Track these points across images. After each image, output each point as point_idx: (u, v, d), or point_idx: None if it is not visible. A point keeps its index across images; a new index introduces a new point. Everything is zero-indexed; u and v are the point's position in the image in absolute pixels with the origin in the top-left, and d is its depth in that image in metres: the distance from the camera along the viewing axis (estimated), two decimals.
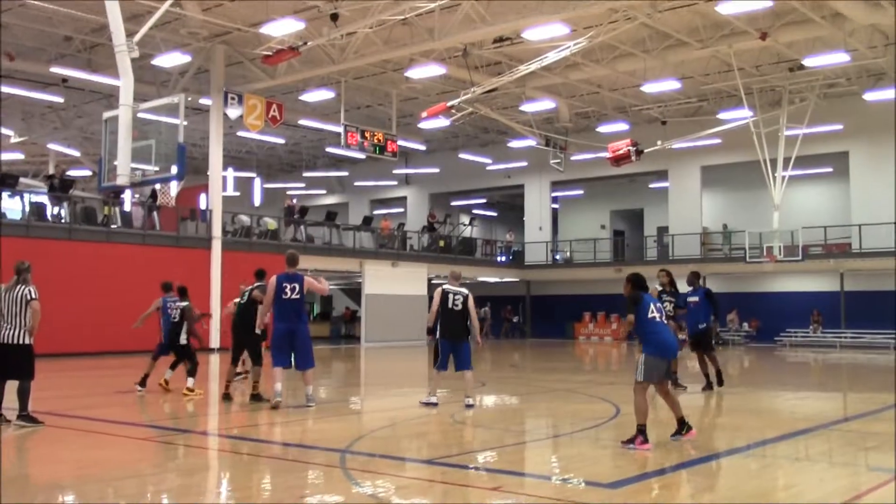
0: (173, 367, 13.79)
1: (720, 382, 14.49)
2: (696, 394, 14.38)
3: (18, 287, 9.86)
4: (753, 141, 29.53)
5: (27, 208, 25.05)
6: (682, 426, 8.94)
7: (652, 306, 8.93)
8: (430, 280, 38.56)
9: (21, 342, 9.81)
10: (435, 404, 12.04)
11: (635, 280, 9.12)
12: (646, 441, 8.48)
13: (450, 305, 12.05)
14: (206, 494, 6.88)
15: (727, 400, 14.76)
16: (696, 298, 14.72)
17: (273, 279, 11.76)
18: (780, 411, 13.08)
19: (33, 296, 9.86)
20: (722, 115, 31.36)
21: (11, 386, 9.96)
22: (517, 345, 36.57)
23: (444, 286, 12.18)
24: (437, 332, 12.17)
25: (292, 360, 11.88)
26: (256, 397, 12.34)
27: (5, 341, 9.79)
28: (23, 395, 9.90)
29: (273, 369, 11.66)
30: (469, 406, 12.00)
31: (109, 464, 8.24)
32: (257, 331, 12.79)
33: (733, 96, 30.83)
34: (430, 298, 12.41)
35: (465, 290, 12.22)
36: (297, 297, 11.66)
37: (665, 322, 9.04)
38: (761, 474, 7.79)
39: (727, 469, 8.00)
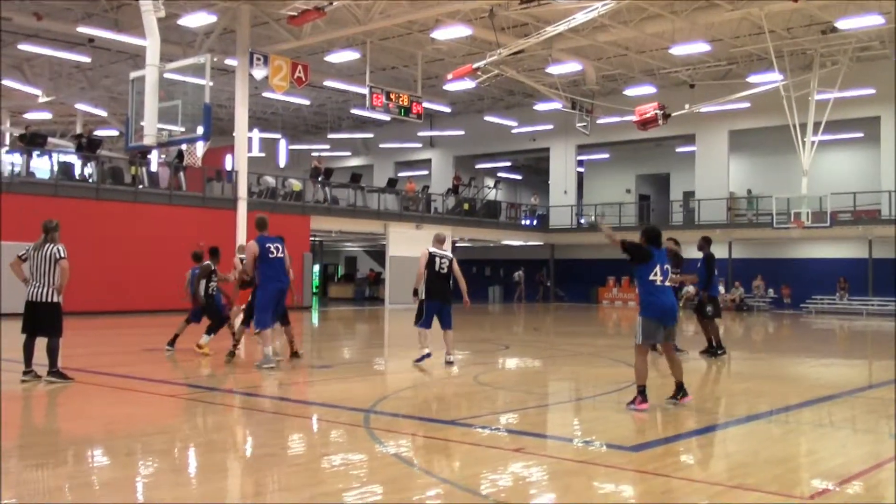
0: (209, 331, 13.76)
1: (710, 352, 14.30)
2: (713, 359, 14.34)
3: (47, 246, 9.97)
4: (783, 105, 29.12)
5: (55, 168, 25.28)
6: (679, 390, 8.95)
7: (657, 268, 8.77)
8: (454, 243, 38.59)
9: (49, 300, 9.94)
10: (428, 355, 12.52)
11: (650, 235, 8.97)
12: (644, 401, 8.59)
13: (437, 268, 12.48)
14: (232, 450, 6.99)
15: (751, 366, 14.75)
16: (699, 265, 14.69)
17: (253, 243, 11.79)
18: (804, 378, 13.04)
19: (62, 255, 9.97)
20: (751, 79, 30.91)
21: (41, 343, 10.13)
22: (548, 308, 36.61)
23: (431, 249, 12.56)
24: (424, 294, 12.55)
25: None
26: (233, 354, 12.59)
27: (34, 299, 9.93)
28: (52, 353, 10.06)
29: (266, 331, 11.72)
30: (450, 363, 12.49)
31: (137, 420, 8.39)
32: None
33: (763, 59, 30.35)
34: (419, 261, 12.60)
35: (449, 254, 12.83)
36: (282, 255, 11.85)
37: (667, 285, 8.89)
38: (784, 440, 7.79)
39: (749, 434, 8.00)
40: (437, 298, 12.56)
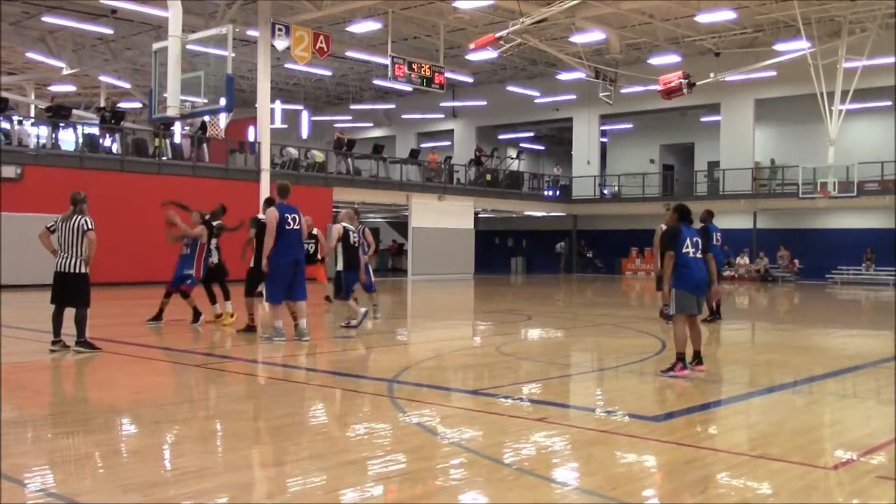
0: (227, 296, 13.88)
1: (711, 319, 14.86)
2: (736, 329, 14.31)
3: (75, 217, 10.07)
4: (810, 73, 28.70)
5: (80, 140, 25.45)
6: (695, 357, 9.23)
7: (688, 241, 8.99)
8: (476, 214, 38.56)
9: (77, 271, 10.05)
10: (365, 315, 13.32)
11: (681, 211, 9.19)
12: (684, 367, 8.93)
13: (351, 241, 13.30)
14: (256, 419, 7.08)
15: (775, 336, 14.70)
16: None
17: (274, 210, 11.49)
18: (828, 348, 12.97)
19: (90, 226, 10.07)
20: (778, 47, 30.44)
21: (69, 313, 10.26)
22: (579, 280, 36.58)
23: (343, 225, 13.29)
24: (343, 266, 13.22)
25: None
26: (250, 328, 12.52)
27: (62, 270, 10.05)
28: (80, 323, 10.20)
29: (277, 306, 11.70)
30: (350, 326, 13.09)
31: (163, 389, 8.50)
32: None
33: (790, 27, 29.87)
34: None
35: (359, 227, 14.03)
36: (298, 227, 11.63)
37: (699, 257, 9.07)
38: (807, 410, 7.77)
39: (773, 404, 7.99)
40: (354, 269, 13.52)
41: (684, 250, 8.95)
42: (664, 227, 10.83)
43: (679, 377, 8.77)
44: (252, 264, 12.66)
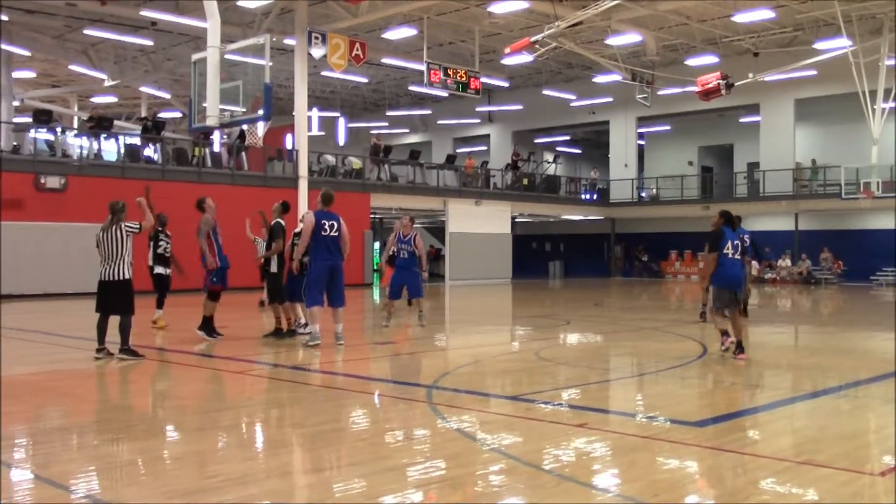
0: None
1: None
2: (780, 333, 14.10)
3: (114, 226, 10.21)
4: (851, 72, 28.22)
5: (122, 150, 25.86)
6: (738, 346, 10.25)
7: (730, 243, 10.28)
8: (513, 218, 38.49)
9: (121, 278, 10.17)
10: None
11: (726, 215, 10.51)
12: (728, 336, 10.48)
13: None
14: (297, 426, 7.12)
15: (819, 339, 14.48)
16: None
17: (311, 215, 11.53)
18: (873, 352, 12.73)
19: (135, 227, 10.26)
20: (818, 45, 30.01)
21: (113, 321, 10.40)
22: (627, 284, 36.36)
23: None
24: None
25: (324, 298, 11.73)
26: (279, 333, 12.68)
27: (105, 279, 10.18)
28: (124, 330, 10.33)
29: (311, 309, 11.63)
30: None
31: (206, 396, 8.59)
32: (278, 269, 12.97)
33: (831, 25, 29.44)
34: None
35: (411, 234, 14.11)
36: (336, 234, 11.51)
37: (737, 258, 10.36)
38: (852, 415, 7.64)
39: (817, 409, 7.87)
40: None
41: (725, 251, 10.19)
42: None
43: (727, 343, 10.45)
44: (275, 269, 12.82)
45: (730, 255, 10.24)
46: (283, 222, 12.96)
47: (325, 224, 11.49)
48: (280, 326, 12.89)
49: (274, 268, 12.90)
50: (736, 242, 10.33)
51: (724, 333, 10.55)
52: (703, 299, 15.94)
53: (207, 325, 12.63)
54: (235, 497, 4.83)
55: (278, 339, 12.63)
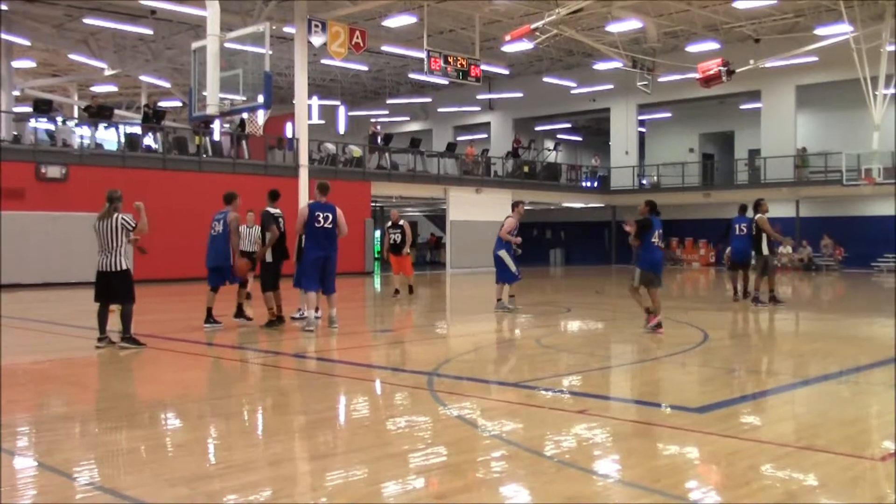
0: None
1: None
2: (781, 319, 14.11)
3: (112, 216, 10.19)
4: (853, 58, 28.13)
5: (122, 139, 25.84)
6: (650, 314, 11.78)
7: (656, 233, 11.62)
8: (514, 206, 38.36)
9: (119, 268, 10.18)
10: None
11: (651, 205, 11.79)
12: (654, 314, 11.75)
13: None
14: (298, 413, 7.14)
15: (820, 326, 14.50)
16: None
17: (305, 207, 12.08)
18: (875, 338, 12.74)
19: (130, 226, 10.21)
20: (819, 31, 29.89)
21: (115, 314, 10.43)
22: (625, 270, 36.34)
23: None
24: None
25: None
26: (273, 322, 12.61)
27: (103, 269, 10.19)
28: (125, 319, 10.36)
29: (308, 294, 12.13)
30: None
31: (207, 384, 8.61)
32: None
33: (832, 11, 29.32)
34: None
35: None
36: (330, 226, 11.86)
37: (660, 245, 11.88)
38: (853, 401, 7.66)
39: (817, 394, 7.88)
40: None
41: (652, 240, 11.58)
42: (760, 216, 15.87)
43: (652, 323, 11.67)
44: (271, 259, 12.81)
45: (655, 243, 11.63)
46: (272, 211, 12.88)
47: (318, 216, 11.83)
48: (275, 315, 12.80)
49: (269, 257, 12.87)
50: (660, 231, 11.73)
51: (648, 311, 11.72)
52: (731, 283, 17.78)
53: (217, 314, 12.75)
54: (238, 484, 4.85)
55: (271, 328, 12.53)
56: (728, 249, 17.49)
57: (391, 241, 18.38)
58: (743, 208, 17.54)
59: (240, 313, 13.35)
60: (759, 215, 16.34)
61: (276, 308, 12.79)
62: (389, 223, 18.62)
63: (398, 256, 18.38)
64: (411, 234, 18.82)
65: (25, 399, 7.50)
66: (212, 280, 12.83)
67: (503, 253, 15.18)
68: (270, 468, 5.25)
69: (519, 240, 15.39)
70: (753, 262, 16.87)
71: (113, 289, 10.22)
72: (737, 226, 17.11)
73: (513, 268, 15.21)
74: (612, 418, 6.67)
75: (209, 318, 12.59)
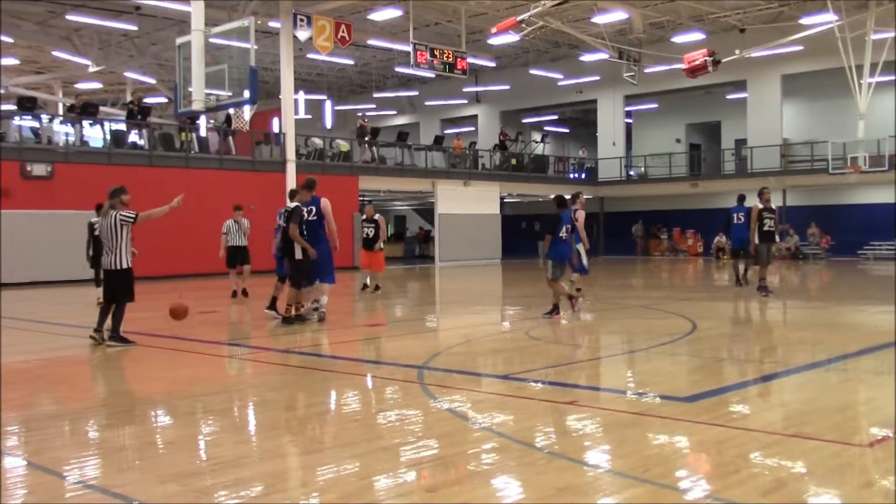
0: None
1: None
2: (769, 307, 14.17)
3: (111, 212, 10.17)
4: (838, 47, 28.22)
5: (108, 136, 25.70)
6: (556, 308, 12.62)
7: (564, 227, 12.37)
8: (502, 199, 38.47)
9: (121, 267, 10.17)
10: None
11: (559, 200, 12.68)
12: (558, 313, 12.53)
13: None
14: (289, 408, 7.14)
15: (808, 314, 14.58)
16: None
17: (298, 206, 12.44)
18: (862, 325, 12.83)
19: (130, 219, 10.17)
20: (804, 21, 29.98)
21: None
22: (614, 262, 36.35)
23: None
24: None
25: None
26: (290, 319, 12.44)
27: (107, 267, 10.19)
28: (116, 317, 10.33)
29: (314, 284, 12.74)
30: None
31: (196, 380, 8.59)
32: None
33: (817, 0, 29.42)
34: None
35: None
36: (314, 218, 12.32)
37: (567, 238, 12.56)
38: (841, 388, 7.71)
39: (806, 382, 7.93)
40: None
41: (560, 234, 12.29)
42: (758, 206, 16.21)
43: (555, 319, 12.40)
44: (300, 255, 12.51)
45: (562, 236, 12.37)
46: (299, 205, 12.51)
47: (303, 210, 12.35)
48: (295, 313, 12.49)
49: (299, 254, 12.52)
50: (568, 225, 12.50)
51: (556, 306, 12.54)
52: (734, 271, 18.74)
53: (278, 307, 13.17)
54: (229, 479, 4.85)
55: (289, 324, 12.32)
56: (716, 239, 18.65)
57: (364, 236, 18.51)
58: (741, 198, 18.68)
59: (272, 306, 13.35)
60: (754, 205, 16.79)
61: (292, 308, 12.52)
62: (364, 217, 18.73)
63: (370, 251, 18.29)
64: (385, 230, 18.95)
65: (14, 398, 7.46)
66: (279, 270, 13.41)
67: (580, 246, 15.58)
68: (262, 463, 5.25)
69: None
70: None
71: (114, 287, 10.22)
72: (735, 215, 18.45)
73: (585, 260, 15.81)
74: (602, 409, 6.69)
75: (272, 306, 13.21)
